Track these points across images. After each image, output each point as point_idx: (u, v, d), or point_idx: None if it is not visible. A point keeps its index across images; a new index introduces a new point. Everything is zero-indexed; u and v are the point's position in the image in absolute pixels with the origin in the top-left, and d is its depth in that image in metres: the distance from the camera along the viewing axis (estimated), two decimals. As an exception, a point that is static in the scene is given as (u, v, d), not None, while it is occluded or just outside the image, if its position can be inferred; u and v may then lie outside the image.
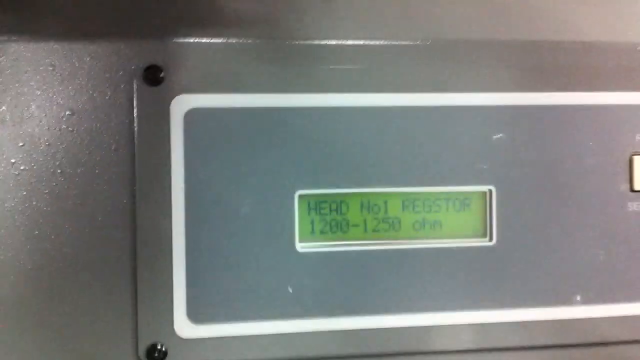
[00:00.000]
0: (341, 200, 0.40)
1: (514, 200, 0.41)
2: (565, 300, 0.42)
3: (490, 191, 0.41)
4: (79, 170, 0.38)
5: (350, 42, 0.40)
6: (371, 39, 0.40)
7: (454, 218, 0.41)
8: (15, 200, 0.38)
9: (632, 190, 0.42)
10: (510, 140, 0.41)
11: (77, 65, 0.38)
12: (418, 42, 0.41)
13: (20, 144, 0.38)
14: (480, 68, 0.41)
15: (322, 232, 0.40)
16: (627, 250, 0.42)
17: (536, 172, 0.41)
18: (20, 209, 0.38)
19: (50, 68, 0.38)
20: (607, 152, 0.42)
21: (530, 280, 0.41)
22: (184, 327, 0.39)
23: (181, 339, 0.39)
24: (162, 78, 0.38)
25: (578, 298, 0.41)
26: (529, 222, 0.41)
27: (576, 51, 0.42)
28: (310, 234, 0.40)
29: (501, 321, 0.41)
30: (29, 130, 0.38)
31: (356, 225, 0.40)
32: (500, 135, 0.41)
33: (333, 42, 0.40)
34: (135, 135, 0.38)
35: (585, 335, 0.42)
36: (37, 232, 0.38)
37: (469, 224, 0.41)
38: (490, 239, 0.41)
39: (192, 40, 0.39)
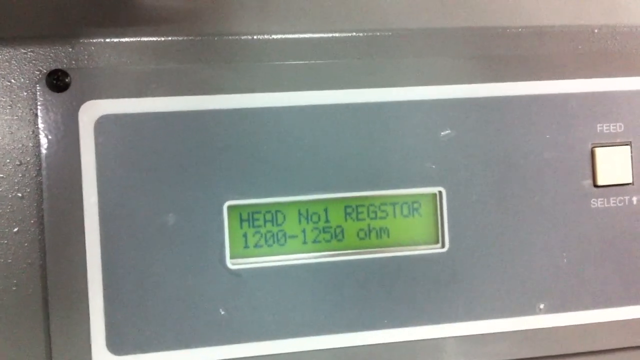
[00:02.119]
0: (276, 209, 0.37)
1: (466, 201, 0.37)
2: (527, 309, 0.38)
3: (440, 193, 0.37)
4: (-21, 189, 0.34)
5: (278, 36, 0.37)
6: (304, 32, 0.37)
7: (402, 224, 0.37)
8: None
9: (596, 186, 0.38)
10: (460, 137, 0.37)
11: (-28, 72, 0.34)
12: (355, 34, 0.37)
13: None
14: (424, 59, 0.37)
15: (256, 246, 0.36)
16: (592, 251, 0.38)
17: (489, 170, 0.37)
18: None
19: (-57, 77, 0.34)
20: (566, 145, 0.38)
21: (487, 289, 0.37)
22: (104, 359, 0.35)
23: (102, 372, 0.35)
24: (68, 83, 0.34)
25: (541, 306, 0.38)
26: (484, 226, 0.37)
27: (528, 37, 0.39)
28: (242, 249, 0.36)
29: (458, 335, 0.37)
30: None
31: (294, 237, 0.37)
32: (448, 131, 0.37)
33: (260, 36, 0.36)
34: (42, 148, 0.34)
35: (551, 347, 0.38)
36: None
37: (418, 230, 0.38)
38: (443, 246, 0.37)
39: (100, 40, 0.35)
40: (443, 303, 0.37)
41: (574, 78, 0.39)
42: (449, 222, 0.37)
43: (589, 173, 0.39)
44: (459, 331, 0.37)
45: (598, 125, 0.39)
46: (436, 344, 0.37)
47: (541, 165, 0.38)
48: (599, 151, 0.38)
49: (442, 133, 0.37)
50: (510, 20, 0.39)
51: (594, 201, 0.38)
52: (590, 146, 0.39)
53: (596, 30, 0.39)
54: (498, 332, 0.38)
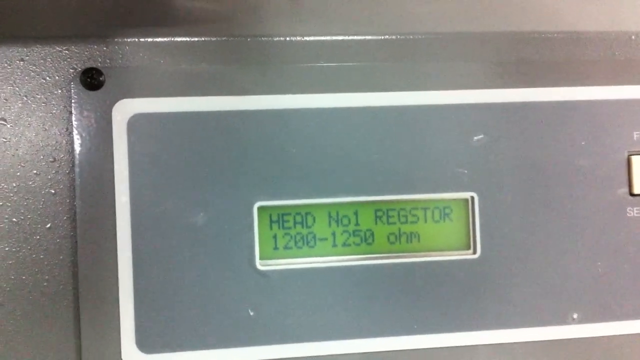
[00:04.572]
0: (306, 212, 0.36)
1: (499, 208, 0.37)
2: (560, 319, 0.37)
3: (472, 198, 0.37)
4: (13, 185, 0.34)
5: (312, 38, 0.37)
6: (336, 34, 0.37)
7: (433, 229, 0.37)
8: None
9: (632, 194, 0.38)
10: (493, 142, 0.37)
11: (8, 69, 0.34)
12: (387, 37, 0.37)
13: (-53, 157, 0.34)
14: (458, 63, 0.37)
15: (285, 247, 0.36)
16: (628, 261, 0.38)
17: (523, 177, 0.37)
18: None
19: (-21, 73, 0.34)
20: (601, 153, 0.38)
21: (519, 297, 0.37)
22: (134, 357, 0.35)
23: (130, 370, 0.35)
24: (102, 81, 0.34)
25: (575, 316, 0.37)
26: (517, 232, 0.37)
27: (564, 43, 0.38)
28: (272, 250, 0.36)
29: (488, 343, 0.37)
30: (-43, 142, 0.34)
31: (324, 240, 0.36)
32: (481, 136, 0.37)
33: (293, 38, 0.36)
34: (75, 145, 0.34)
35: (584, 358, 0.37)
36: (-33, 254, 0.34)
37: (449, 236, 0.37)
38: (474, 252, 0.37)
39: (134, 40, 0.35)
40: (474, 310, 0.37)
41: (610, 84, 0.38)
42: (480, 228, 0.37)
43: (625, 181, 0.38)
44: (489, 339, 0.37)
45: (635, 132, 0.38)
46: (466, 351, 0.37)
47: (576, 173, 0.37)
48: (635, 159, 0.38)
49: (474, 138, 0.37)
50: (545, 25, 0.38)
51: (629, 210, 0.38)
52: (626, 154, 0.38)
53: (633, 37, 0.39)
54: (529, 342, 0.37)
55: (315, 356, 0.36)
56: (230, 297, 0.35)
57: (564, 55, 0.38)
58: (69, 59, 0.35)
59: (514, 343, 0.37)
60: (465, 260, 0.37)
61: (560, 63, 0.38)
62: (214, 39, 0.36)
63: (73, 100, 0.34)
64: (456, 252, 0.37)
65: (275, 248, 0.36)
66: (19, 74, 0.34)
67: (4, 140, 0.34)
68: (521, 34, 0.38)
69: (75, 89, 0.34)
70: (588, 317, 0.37)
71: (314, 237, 0.36)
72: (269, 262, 0.36)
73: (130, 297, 0.35)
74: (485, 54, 0.37)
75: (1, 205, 0.34)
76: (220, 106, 0.35)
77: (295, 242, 0.36)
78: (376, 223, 0.37)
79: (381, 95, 0.36)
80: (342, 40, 0.37)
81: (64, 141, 0.35)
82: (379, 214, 0.37)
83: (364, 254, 0.37)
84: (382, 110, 0.36)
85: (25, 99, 0.34)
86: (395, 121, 0.36)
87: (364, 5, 0.38)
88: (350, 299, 0.36)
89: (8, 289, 0.34)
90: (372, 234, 0.37)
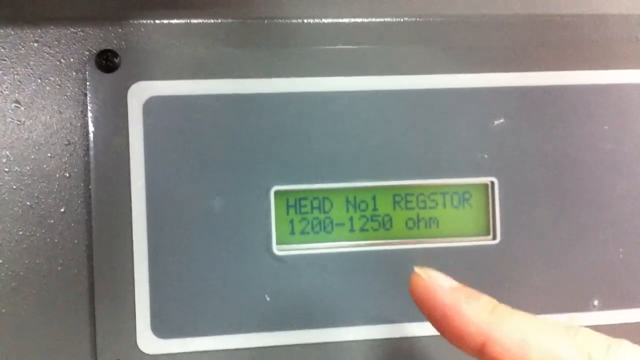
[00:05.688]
0: (324, 196, 0.36)
1: (519, 193, 0.36)
2: (581, 305, 0.37)
3: (492, 183, 0.36)
4: (27, 168, 0.34)
5: (330, 20, 0.36)
6: (354, 16, 0.36)
7: (452, 214, 0.37)
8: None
9: (655, 179, 0.37)
10: (514, 126, 0.36)
11: (22, 51, 0.34)
12: (407, 19, 0.36)
13: (-39, 140, 0.34)
14: (479, 46, 0.36)
15: (302, 232, 0.36)
16: (650, 247, 0.37)
17: (543, 161, 0.36)
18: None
19: (-7, 55, 0.34)
20: (624, 137, 0.37)
21: (540, 284, 0.36)
22: (149, 342, 0.35)
23: (146, 355, 0.35)
24: (118, 64, 0.34)
25: (596, 303, 0.37)
26: (537, 218, 0.36)
27: (585, 26, 0.37)
28: (289, 235, 0.36)
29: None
30: (-29, 124, 0.34)
31: (341, 225, 0.36)
32: (502, 120, 0.36)
33: (311, 20, 0.36)
34: (90, 128, 0.34)
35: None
36: (-19, 238, 0.34)
37: (469, 221, 0.37)
38: (494, 238, 0.36)
39: (150, 22, 0.35)
40: (493, 296, 0.36)
41: (632, 68, 0.37)
42: (500, 214, 0.36)
43: (648, 166, 0.37)
44: (509, 326, 0.36)
45: (658, 117, 0.37)
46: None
47: (598, 157, 0.37)
48: (659, 144, 0.37)
49: (495, 122, 0.36)
50: (567, 8, 0.38)
51: (652, 195, 0.37)
52: (649, 139, 0.37)
53: (657, 19, 0.38)
54: (550, 328, 0.36)
55: (332, 342, 0.36)
56: (246, 282, 0.35)
57: (586, 38, 0.37)
58: (83, 41, 0.34)
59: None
60: (485, 246, 0.36)
61: (582, 46, 0.37)
62: (230, 21, 0.35)
63: (88, 83, 0.34)
64: (475, 238, 0.36)
65: (292, 233, 0.36)
66: (33, 55, 0.34)
67: (18, 122, 0.34)
68: (543, 17, 0.37)
69: (90, 71, 0.34)
70: (609, 304, 0.37)
71: (331, 222, 0.36)
72: (286, 247, 0.35)
73: (146, 281, 0.34)
74: (507, 36, 0.37)
75: (15, 188, 0.34)
76: (237, 89, 0.35)
77: (312, 227, 0.36)
78: (394, 208, 0.36)
79: (400, 79, 0.36)
80: (361, 22, 0.36)
81: (79, 124, 0.34)
82: (397, 199, 0.36)
83: (381, 239, 0.36)
84: (401, 93, 0.36)
85: (39, 81, 0.34)
86: (414, 105, 0.36)
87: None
88: (367, 284, 0.36)
89: (22, 273, 0.34)
90: (390, 219, 0.36)
